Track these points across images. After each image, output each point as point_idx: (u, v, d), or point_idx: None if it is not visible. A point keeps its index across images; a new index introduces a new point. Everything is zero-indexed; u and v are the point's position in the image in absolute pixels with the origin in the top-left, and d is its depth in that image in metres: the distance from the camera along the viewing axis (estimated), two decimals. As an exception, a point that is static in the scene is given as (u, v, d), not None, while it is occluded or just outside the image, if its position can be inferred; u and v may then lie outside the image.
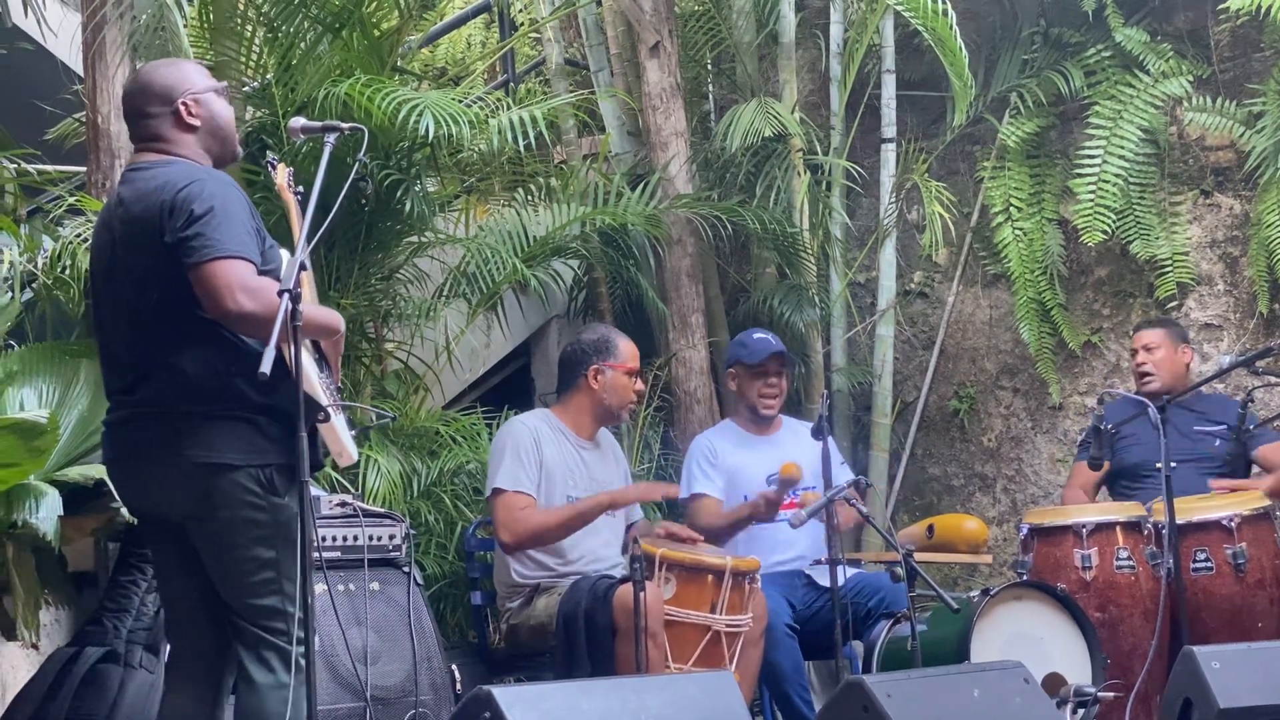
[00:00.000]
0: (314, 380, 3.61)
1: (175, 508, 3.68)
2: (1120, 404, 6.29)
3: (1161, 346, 6.11)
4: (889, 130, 7.37)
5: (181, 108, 3.80)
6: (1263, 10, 6.50)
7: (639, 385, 5.53)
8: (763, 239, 7.21)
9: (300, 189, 3.89)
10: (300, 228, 3.68)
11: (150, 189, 3.64)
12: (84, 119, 5.73)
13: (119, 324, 3.73)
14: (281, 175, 4.08)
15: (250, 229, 3.60)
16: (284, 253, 3.77)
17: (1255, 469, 6.01)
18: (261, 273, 3.57)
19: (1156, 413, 5.46)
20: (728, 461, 5.82)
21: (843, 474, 5.52)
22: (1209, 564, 5.44)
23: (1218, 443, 5.92)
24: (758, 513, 5.52)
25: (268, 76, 6.10)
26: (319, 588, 4.48)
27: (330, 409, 3.66)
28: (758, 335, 6.01)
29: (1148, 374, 6.05)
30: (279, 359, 3.37)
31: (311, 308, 3.64)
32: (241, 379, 3.60)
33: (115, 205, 3.78)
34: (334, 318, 3.80)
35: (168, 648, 4.05)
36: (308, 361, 3.56)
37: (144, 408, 3.66)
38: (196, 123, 3.81)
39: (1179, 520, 5.34)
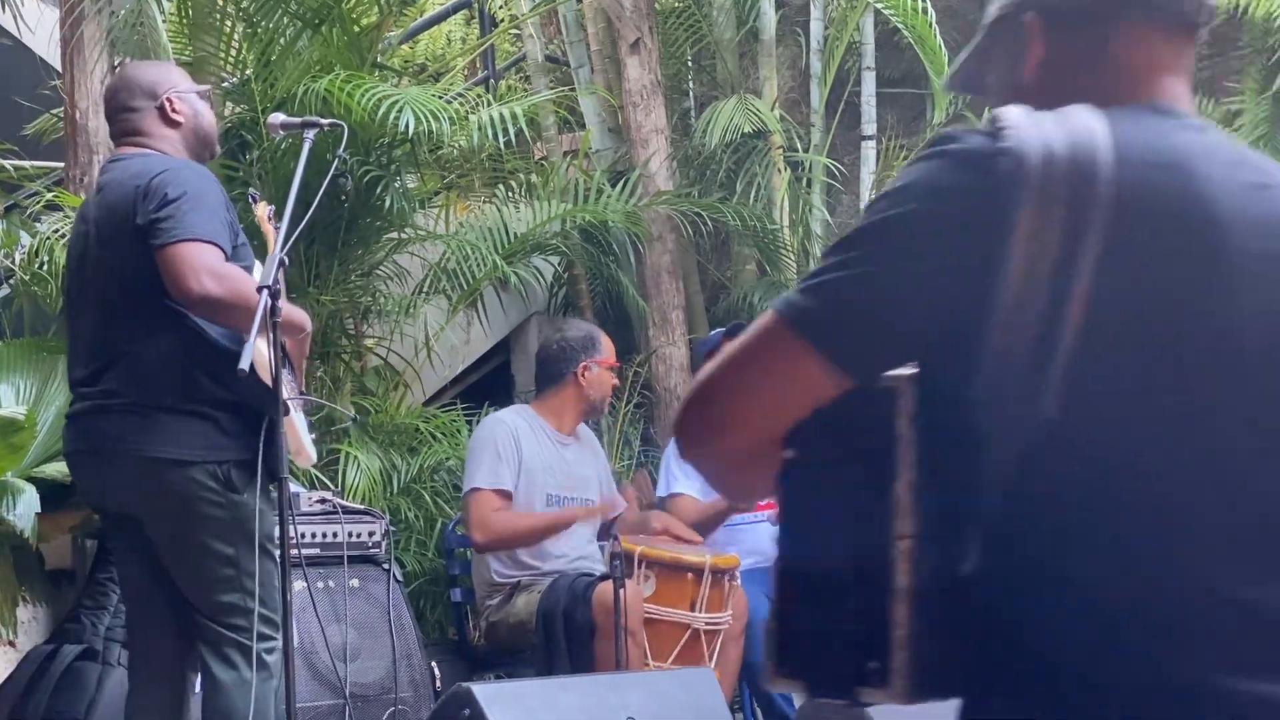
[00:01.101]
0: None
1: (133, 502, 3.67)
2: None
3: None
4: (869, 127, 7.38)
5: (166, 103, 3.80)
6: (1240, 9, 6.52)
7: (615, 380, 5.57)
8: (743, 236, 7.21)
9: (280, 224, 3.90)
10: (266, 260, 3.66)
11: (127, 176, 3.64)
12: (62, 114, 5.71)
13: (87, 314, 3.72)
14: (262, 209, 4.08)
15: (223, 220, 3.59)
16: (257, 262, 3.77)
17: None
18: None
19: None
20: (708, 459, 5.82)
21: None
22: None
23: None
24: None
25: (247, 72, 6.08)
26: (298, 585, 4.47)
27: (290, 404, 3.65)
28: (715, 331, 6.12)
29: None
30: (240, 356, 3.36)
31: (285, 305, 3.64)
32: (204, 373, 3.59)
33: (94, 194, 3.79)
34: (302, 316, 3.80)
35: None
36: (272, 356, 3.55)
37: (104, 400, 3.65)
38: (180, 119, 3.81)
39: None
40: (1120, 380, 1.41)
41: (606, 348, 5.47)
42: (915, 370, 1.44)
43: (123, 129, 3.82)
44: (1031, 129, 1.42)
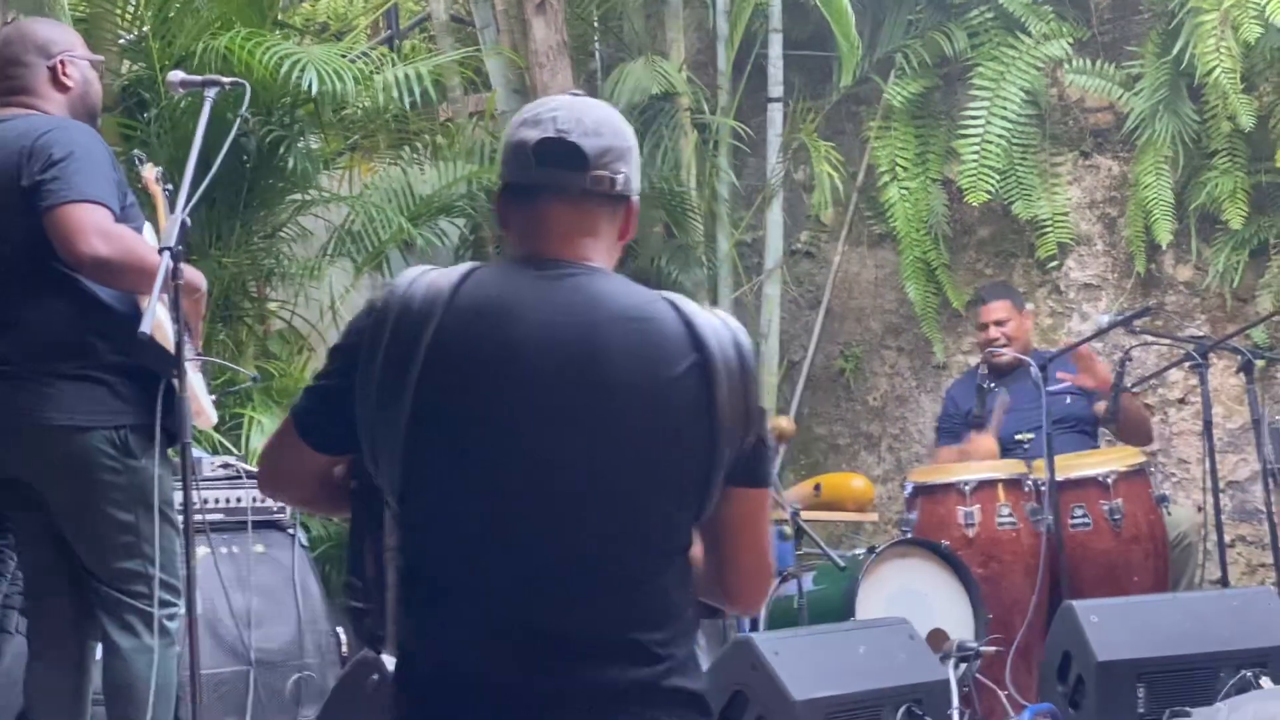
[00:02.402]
0: (168, 335, 3.54)
1: (29, 470, 3.60)
2: (967, 379, 6.37)
3: (1011, 317, 6.18)
4: (776, 90, 7.38)
5: (59, 64, 3.71)
6: (1142, -26, 6.60)
7: None
8: (650, 198, 7.19)
9: (170, 187, 3.82)
10: (167, 222, 3.60)
11: (11, 137, 3.55)
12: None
13: None
14: (149, 172, 4.01)
15: (112, 180, 3.52)
16: (147, 225, 3.71)
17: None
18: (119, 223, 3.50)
19: (1039, 371, 5.54)
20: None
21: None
22: (1086, 520, 5.53)
23: (1068, 399, 6.00)
24: None
25: (144, 29, 5.98)
26: (201, 551, 4.43)
27: (189, 366, 3.60)
28: None
29: (1004, 346, 6.07)
30: (142, 317, 3.31)
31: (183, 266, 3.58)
32: (98, 337, 3.54)
33: None
34: (197, 275, 3.74)
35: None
36: (164, 317, 3.50)
37: None
38: (70, 84, 3.72)
39: (1058, 477, 5.43)
40: (437, 460, 2.07)
41: None
42: None
43: (8, 86, 3.72)
44: (404, 286, 2.11)
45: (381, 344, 2.09)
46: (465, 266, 2.15)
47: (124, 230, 3.47)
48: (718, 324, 2.14)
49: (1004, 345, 6.06)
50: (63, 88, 3.72)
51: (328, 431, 2.18)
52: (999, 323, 6.17)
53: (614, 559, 2.08)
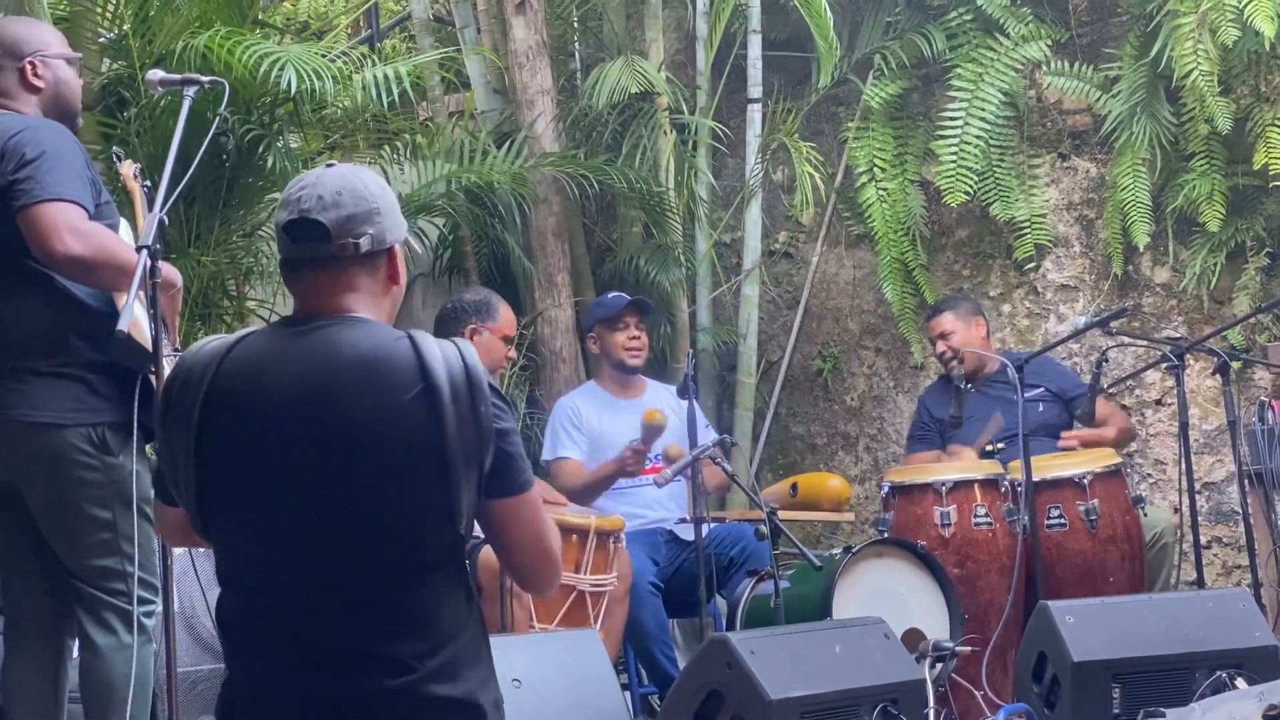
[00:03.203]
0: (145, 333, 3.54)
1: (5, 468, 3.60)
2: (941, 385, 6.39)
3: (956, 330, 6.20)
4: (755, 90, 7.40)
5: (28, 65, 3.71)
6: (1120, -23, 6.62)
7: (510, 353, 5.57)
8: (629, 198, 7.20)
9: (148, 183, 3.82)
10: (145, 219, 3.61)
11: None
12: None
13: None
14: (127, 168, 4.00)
15: (85, 178, 3.53)
16: (124, 222, 3.71)
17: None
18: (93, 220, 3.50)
19: (1015, 372, 5.56)
20: (592, 424, 5.82)
21: (706, 436, 5.55)
22: (1063, 520, 5.55)
23: (1041, 407, 6.02)
24: (625, 465, 5.53)
25: (124, 27, 5.96)
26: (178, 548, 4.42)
27: (165, 363, 3.61)
28: (612, 295, 6.08)
29: (951, 360, 6.11)
30: (119, 315, 3.31)
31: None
32: (75, 334, 3.54)
33: None
34: (172, 272, 3.74)
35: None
36: (141, 315, 3.50)
37: None
38: (41, 84, 3.72)
39: (1034, 478, 5.44)
40: (220, 506, 2.41)
41: (504, 317, 5.47)
42: None
43: None
44: (189, 356, 2.45)
45: (169, 409, 2.43)
46: (243, 331, 2.49)
47: (97, 228, 3.47)
48: (450, 351, 2.40)
49: (952, 358, 6.11)
50: (33, 88, 3.72)
51: (167, 490, 2.50)
52: (943, 335, 6.21)
53: (366, 581, 2.35)
